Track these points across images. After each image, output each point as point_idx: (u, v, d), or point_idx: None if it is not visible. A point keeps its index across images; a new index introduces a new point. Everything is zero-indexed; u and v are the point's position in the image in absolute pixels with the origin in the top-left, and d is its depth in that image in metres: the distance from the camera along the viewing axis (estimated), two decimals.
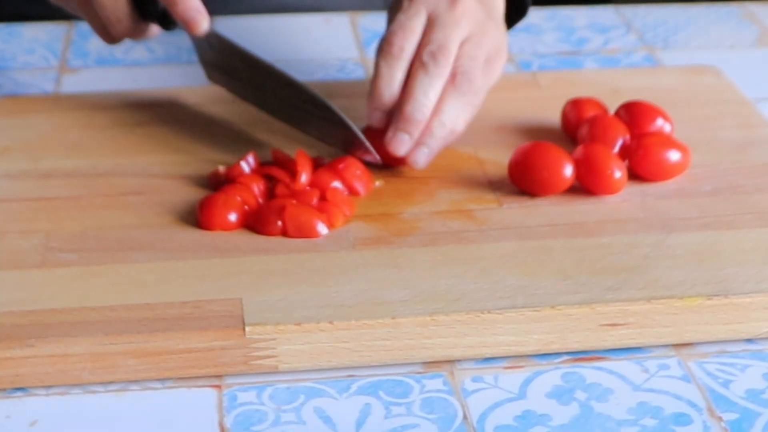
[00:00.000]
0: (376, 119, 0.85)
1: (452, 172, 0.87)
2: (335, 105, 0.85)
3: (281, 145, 0.89)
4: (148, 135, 0.92)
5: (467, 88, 0.85)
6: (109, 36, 0.93)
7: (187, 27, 0.89)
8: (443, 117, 0.84)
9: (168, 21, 0.92)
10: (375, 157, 0.84)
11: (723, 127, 0.93)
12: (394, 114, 0.84)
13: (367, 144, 0.84)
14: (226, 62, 0.91)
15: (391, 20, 0.91)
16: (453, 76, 0.85)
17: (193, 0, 0.88)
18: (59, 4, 0.96)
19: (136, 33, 0.93)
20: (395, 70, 0.85)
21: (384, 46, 0.86)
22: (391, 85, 0.85)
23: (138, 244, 0.78)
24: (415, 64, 0.85)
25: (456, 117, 0.85)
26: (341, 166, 0.84)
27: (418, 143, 0.84)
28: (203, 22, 0.88)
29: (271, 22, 1.17)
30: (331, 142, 0.87)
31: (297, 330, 0.69)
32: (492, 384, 0.69)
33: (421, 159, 0.84)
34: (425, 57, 0.84)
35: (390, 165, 0.86)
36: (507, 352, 0.71)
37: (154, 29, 0.94)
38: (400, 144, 0.84)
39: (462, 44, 0.86)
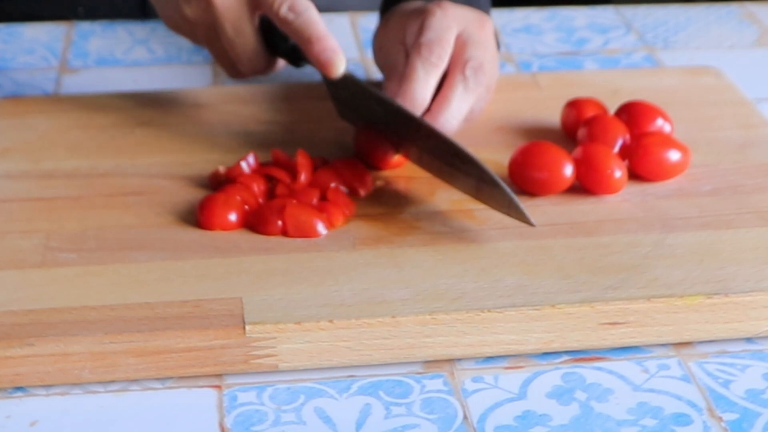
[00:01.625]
0: None
1: None
2: (481, 160, 0.79)
3: (281, 145, 0.89)
4: (148, 135, 0.92)
5: (475, 85, 0.87)
6: (237, 72, 0.93)
7: (323, 69, 0.86)
8: (450, 116, 0.86)
9: (298, 57, 0.91)
10: (530, 221, 0.77)
11: (723, 127, 0.93)
12: (426, 116, 0.85)
13: (521, 206, 0.77)
14: (361, 104, 0.87)
15: (399, 14, 0.92)
16: (462, 70, 0.87)
17: (331, 40, 0.86)
18: (183, 35, 0.94)
19: (266, 69, 0.92)
20: (431, 77, 0.86)
21: (424, 52, 0.86)
22: (424, 91, 0.85)
23: (138, 244, 0.78)
24: (456, 76, 0.86)
25: (466, 111, 0.88)
26: (341, 166, 0.84)
27: None
28: (340, 65, 0.86)
29: None
30: (484, 200, 0.81)
31: (297, 329, 0.69)
32: (492, 384, 0.69)
33: None
34: (468, 72, 0.86)
35: (384, 168, 0.86)
36: (507, 351, 0.71)
37: (281, 63, 0.93)
38: None
39: (463, 40, 0.89)
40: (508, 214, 0.78)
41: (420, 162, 0.85)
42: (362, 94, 0.86)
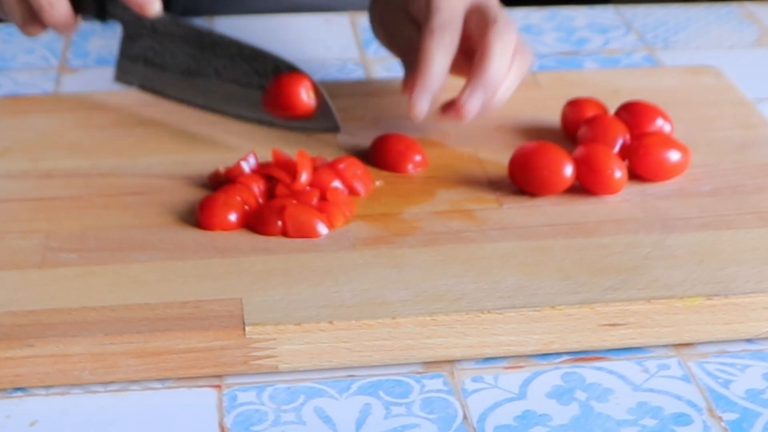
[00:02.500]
0: (423, 106, 0.84)
1: (452, 172, 0.87)
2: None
3: (281, 145, 0.89)
4: (148, 135, 0.92)
5: (529, 60, 0.87)
6: (34, 24, 0.91)
7: (140, 8, 0.89)
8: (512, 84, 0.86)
9: (103, 11, 0.92)
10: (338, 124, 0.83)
11: (723, 127, 0.93)
12: (470, 75, 0.84)
13: (334, 111, 0.82)
14: (162, 48, 0.90)
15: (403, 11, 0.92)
16: (522, 50, 0.87)
17: None
18: None
19: (67, 23, 0.90)
20: (447, 57, 0.84)
21: (437, 35, 0.84)
22: (440, 73, 0.84)
23: (138, 244, 0.78)
24: (488, 35, 0.84)
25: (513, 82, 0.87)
26: (341, 166, 0.84)
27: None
28: (156, 3, 0.89)
29: (271, 22, 1.17)
30: (279, 124, 0.86)
31: (297, 330, 0.69)
32: (492, 384, 0.69)
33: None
34: (501, 25, 0.84)
35: (390, 170, 0.86)
36: (507, 352, 0.71)
37: (79, 22, 0.93)
38: (475, 102, 0.84)
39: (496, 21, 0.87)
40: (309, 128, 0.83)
41: (212, 100, 0.88)
42: (175, 33, 0.89)
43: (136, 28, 0.91)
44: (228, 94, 0.88)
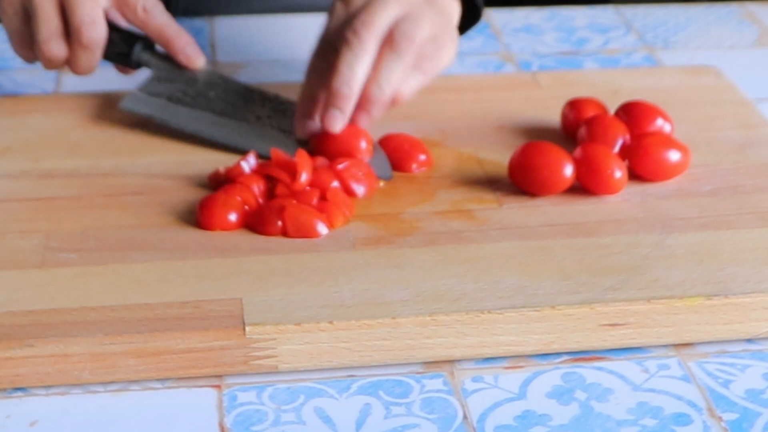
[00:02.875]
0: (338, 119, 0.86)
1: (452, 172, 0.87)
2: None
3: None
4: (148, 135, 0.92)
5: (407, 47, 0.85)
6: (61, 41, 0.91)
7: (187, 61, 0.93)
8: (381, 81, 0.85)
9: (130, 58, 0.94)
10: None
11: (723, 127, 0.93)
12: (325, 93, 0.87)
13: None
14: (191, 92, 0.93)
15: None
16: (390, 40, 0.86)
17: (190, 36, 0.93)
18: None
19: (98, 46, 0.91)
20: (362, 60, 0.85)
21: (350, 37, 0.85)
22: (357, 71, 0.85)
23: (138, 244, 0.78)
24: (340, 42, 0.86)
25: (397, 80, 0.86)
26: (341, 166, 0.84)
27: (356, 110, 0.86)
28: (203, 58, 0.94)
29: (272, 22, 1.17)
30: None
31: (297, 330, 0.69)
32: (492, 384, 0.69)
33: (337, 124, 0.86)
34: (348, 34, 0.85)
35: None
36: (507, 352, 0.71)
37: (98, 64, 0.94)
38: (333, 120, 0.86)
39: (397, 20, 0.86)
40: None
41: (251, 140, 0.90)
42: (216, 82, 0.93)
43: (169, 74, 0.94)
44: (268, 136, 0.90)
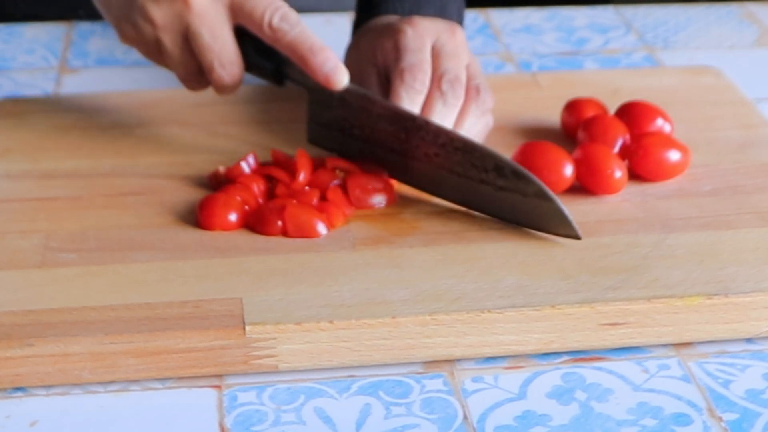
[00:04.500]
0: None
1: None
2: (530, 173, 0.78)
3: (281, 145, 0.89)
4: (148, 135, 0.92)
5: (489, 102, 0.87)
6: (200, 82, 0.88)
7: (327, 80, 0.83)
8: (464, 133, 0.85)
9: (281, 74, 0.87)
10: (578, 232, 0.77)
11: (723, 127, 0.93)
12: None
13: (570, 218, 0.77)
14: (355, 122, 0.84)
15: (369, 32, 0.91)
16: (477, 93, 0.86)
17: (329, 50, 0.83)
18: (136, 45, 0.88)
19: (238, 81, 0.86)
20: (416, 104, 0.85)
21: (407, 78, 0.84)
22: None
23: (138, 244, 0.78)
24: (434, 93, 0.85)
25: (474, 132, 0.86)
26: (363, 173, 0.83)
27: None
28: (345, 75, 0.83)
29: None
30: (510, 218, 0.79)
31: (297, 329, 0.69)
32: (492, 384, 0.69)
33: None
34: (444, 86, 0.85)
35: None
36: (507, 352, 0.71)
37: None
38: None
39: (467, 68, 0.88)
40: (550, 232, 0.78)
41: (424, 181, 0.82)
42: (367, 107, 0.83)
43: (322, 95, 0.85)
44: (444, 181, 0.81)
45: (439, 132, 0.81)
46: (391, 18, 0.93)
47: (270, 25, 0.83)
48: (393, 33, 0.88)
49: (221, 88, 0.87)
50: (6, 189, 0.85)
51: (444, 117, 0.84)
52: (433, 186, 0.82)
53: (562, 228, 0.77)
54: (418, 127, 0.82)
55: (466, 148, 0.80)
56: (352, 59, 0.93)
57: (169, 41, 0.85)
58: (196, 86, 0.89)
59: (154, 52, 0.87)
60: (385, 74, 0.88)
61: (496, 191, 0.79)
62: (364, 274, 0.74)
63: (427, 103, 0.85)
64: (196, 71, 0.87)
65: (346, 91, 0.84)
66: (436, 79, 0.86)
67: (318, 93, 0.85)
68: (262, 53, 0.86)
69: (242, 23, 0.85)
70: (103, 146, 0.91)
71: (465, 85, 0.86)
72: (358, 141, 0.85)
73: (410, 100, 0.84)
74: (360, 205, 0.81)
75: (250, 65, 0.87)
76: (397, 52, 0.87)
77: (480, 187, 0.80)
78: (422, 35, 0.87)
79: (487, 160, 0.79)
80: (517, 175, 0.78)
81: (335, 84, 0.83)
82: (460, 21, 0.98)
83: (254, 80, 0.99)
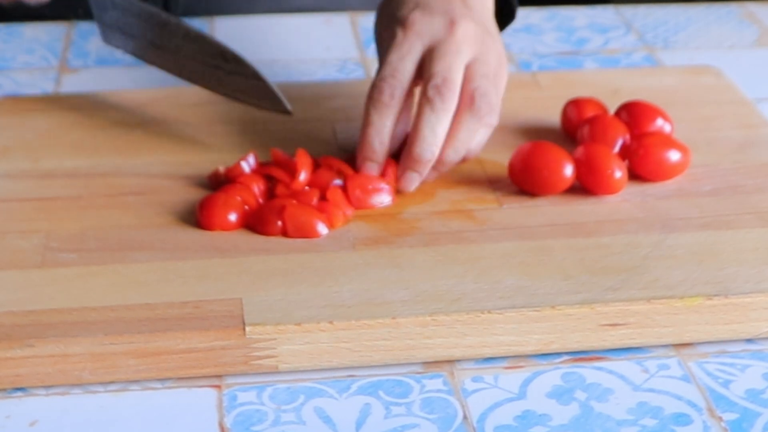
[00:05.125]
0: (368, 169, 0.83)
1: (452, 172, 0.87)
2: (246, 57, 0.89)
3: (281, 145, 0.89)
4: (148, 135, 0.92)
5: (486, 109, 0.83)
6: None
7: None
8: (457, 144, 0.83)
9: None
10: (287, 107, 0.89)
11: (723, 127, 0.93)
12: (403, 153, 0.83)
13: (281, 96, 0.88)
14: (126, 20, 0.95)
15: (381, 42, 0.89)
16: (471, 100, 0.82)
17: None
18: None
19: None
20: (385, 118, 0.82)
21: (374, 93, 0.83)
22: (380, 134, 0.82)
23: (138, 244, 0.78)
24: (421, 100, 0.82)
25: (471, 140, 0.84)
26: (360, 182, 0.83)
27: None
28: None
29: (271, 22, 1.17)
30: (243, 99, 0.91)
31: (297, 330, 0.69)
32: (492, 384, 0.69)
33: (413, 185, 0.84)
34: (430, 92, 0.81)
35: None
36: (507, 352, 0.71)
37: None
38: (410, 182, 0.83)
39: (468, 67, 0.84)
40: (262, 107, 0.89)
41: (184, 72, 0.92)
42: (130, 8, 0.94)
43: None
44: (191, 68, 0.93)
45: (178, 25, 0.92)
46: None
47: None
48: (389, 34, 0.86)
49: None
50: (6, 189, 0.85)
51: (435, 125, 0.81)
52: (188, 74, 0.93)
53: (274, 104, 0.89)
54: (164, 22, 0.92)
55: (197, 38, 0.91)
56: (383, 14, 0.91)
57: None
58: None
59: None
60: None
61: (227, 75, 0.91)
62: (364, 275, 0.74)
63: (417, 112, 0.82)
64: None
65: None
66: (424, 82, 0.83)
67: None
68: None
69: None
70: (103, 146, 0.91)
71: (456, 87, 0.82)
72: (134, 40, 0.95)
73: (378, 115, 0.82)
74: (360, 205, 0.81)
75: None
76: (431, 60, 0.83)
77: (215, 72, 0.91)
78: (412, 36, 0.84)
79: (214, 47, 0.90)
80: (237, 60, 0.89)
81: None
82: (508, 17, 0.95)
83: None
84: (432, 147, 0.82)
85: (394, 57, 0.84)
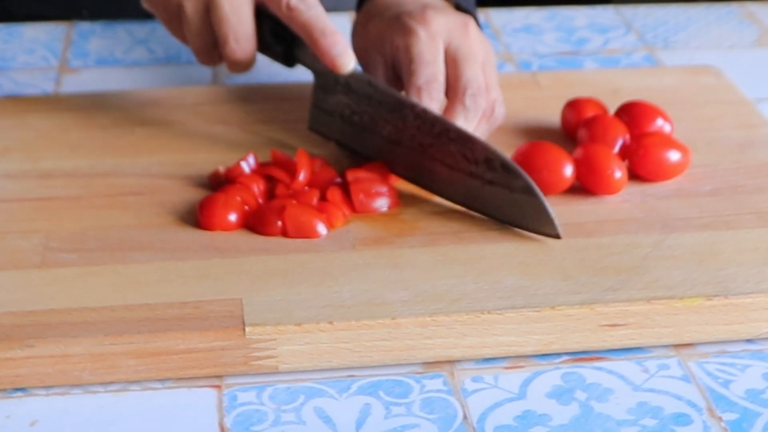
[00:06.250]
0: None
1: None
2: (520, 168, 0.78)
3: (281, 145, 0.89)
4: (148, 135, 0.92)
5: (501, 119, 0.86)
6: (212, 58, 0.89)
7: (333, 63, 0.84)
8: None
9: (291, 56, 0.89)
10: (559, 231, 0.77)
11: (723, 127, 0.93)
12: None
13: (553, 216, 0.77)
14: (357, 108, 0.85)
15: (377, 18, 0.90)
16: (491, 110, 0.85)
17: (339, 35, 0.84)
18: (158, 11, 0.91)
19: (251, 59, 0.88)
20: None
21: (425, 98, 0.83)
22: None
23: (138, 244, 0.78)
24: (456, 106, 0.84)
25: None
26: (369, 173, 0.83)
27: None
28: (350, 59, 0.84)
29: None
30: (496, 215, 0.79)
31: (297, 330, 0.69)
32: (492, 384, 0.69)
33: None
34: (468, 101, 0.84)
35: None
36: (507, 353, 0.71)
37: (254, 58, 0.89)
38: None
39: (483, 70, 0.86)
40: (532, 229, 0.78)
41: (415, 172, 0.83)
42: (369, 93, 0.84)
43: (327, 79, 0.86)
44: (435, 173, 0.82)
45: (435, 122, 0.81)
46: (399, 9, 0.90)
47: (288, 4, 0.84)
48: (404, 32, 0.86)
49: (233, 64, 0.88)
50: (6, 189, 0.85)
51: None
52: (425, 178, 0.82)
53: (545, 226, 0.77)
54: (416, 115, 0.82)
55: (460, 139, 0.80)
56: (359, 40, 0.92)
57: (191, 8, 0.87)
58: (208, 60, 0.90)
59: (175, 18, 0.89)
60: (392, 66, 0.87)
61: (484, 185, 0.79)
62: (364, 275, 0.74)
63: (447, 115, 0.84)
64: (211, 44, 0.89)
65: (351, 76, 0.85)
66: (460, 90, 0.84)
67: (324, 77, 0.86)
68: (276, 34, 0.88)
69: (262, 1, 0.87)
70: (103, 146, 0.91)
71: (484, 92, 0.85)
72: (356, 129, 0.85)
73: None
74: (363, 209, 0.81)
75: (263, 45, 0.89)
76: (411, 61, 0.85)
77: (468, 181, 0.80)
78: (434, 38, 0.85)
79: (479, 152, 0.79)
80: (507, 169, 0.78)
81: (341, 67, 0.84)
82: (471, 7, 0.96)
83: (256, 80, 0.99)
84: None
85: (427, 57, 0.85)
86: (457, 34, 0.86)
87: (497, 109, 0.86)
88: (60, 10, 1.14)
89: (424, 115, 0.82)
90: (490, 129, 0.86)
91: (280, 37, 0.88)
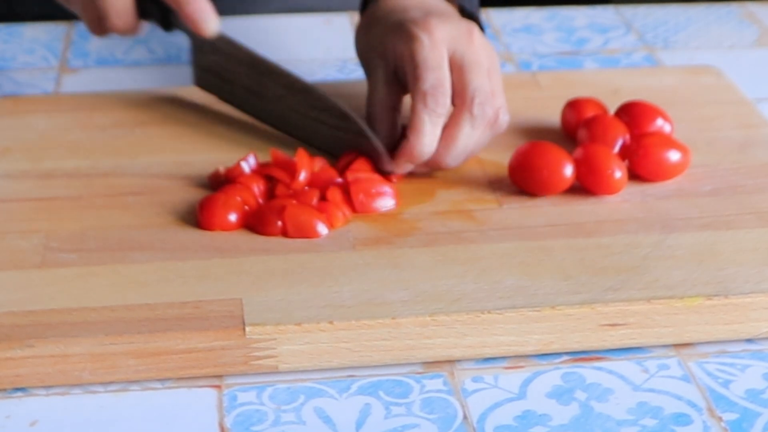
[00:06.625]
0: (403, 169, 0.85)
1: (452, 172, 0.87)
2: (355, 114, 0.86)
3: (281, 145, 0.89)
4: (148, 135, 0.92)
5: (504, 126, 0.86)
6: (101, 28, 0.94)
7: (196, 28, 0.90)
8: (474, 150, 0.86)
9: (168, 21, 0.93)
10: (393, 169, 0.85)
11: (723, 127, 0.93)
12: (435, 156, 0.84)
13: (387, 156, 0.84)
14: (227, 66, 0.92)
15: (381, 22, 0.90)
16: (495, 118, 0.85)
17: (204, 1, 0.90)
18: None
19: (132, 29, 0.94)
20: (437, 128, 0.83)
21: (429, 103, 0.83)
22: (431, 144, 0.83)
23: (138, 244, 0.78)
24: (463, 115, 0.84)
25: (475, 150, 0.86)
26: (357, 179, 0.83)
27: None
28: (213, 23, 0.90)
29: (271, 22, 1.17)
30: (339, 154, 0.87)
31: (297, 330, 0.69)
32: (492, 384, 0.69)
33: (406, 170, 0.86)
34: (476, 110, 0.83)
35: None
36: (507, 353, 0.71)
37: (145, 27, 0.96)
38: (404, 170, 0.85)
39: (488, 77, 0.86)
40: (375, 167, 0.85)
41: (278, 121, 0.91)
42: (233, 53, 0.91)
43: (199, 41, 0.92)
44: (291, 120, 0.90)
45: (284, 74, 0.89)
46: (405, 3, 0.90)
47: None
48: (408, 39, 0.85)
49: (119, 33, 0.95)
50: (6, 189, 0.85)
51: (468, 137, 0.84)
52: (286, 125, 0.91)
53: (378, 163, 0.85)
54: (269, 70, 0.90)
55: (305, 89, 0.89)
56: (361, 41, 0.93)
57: None
58: (99, 32, 0.95)
59: None
60: (393, 72, 0.87)
61: (329, 130, 0.87)
62: (364, 275, 0.74)
63: (455, 122, 0.84)
64: (96, 17, 0.94)
65: (218, 38, 0.91)
66: (468, 98, 0.83)
67: (197, 39, 0.92)
68: (153, 1, 0.93)
69: None
70: (103, 146, 0.91)
71: (492, 104, 0.85)
72: (231, 85, 0.93)
73: (432, 125, 0.83)
74: (363, 209, 0.81)
75: (143, 12, 0.94)
76: (415, 67, 0.84)
77: (317, 126, 0.88)
78: (438, 45, 0.84)
79: (322, 101, 0.88)
80: (344, 116, 0.86)
81: (204, 31, 0.90)
82: (475, 12, 0.96)
83: None
84: (460, 157, 0.85)
85: (431, 63, 0.84)
86: (462, 41, 0.85)
87: (501, 116, 0.85)
88: (66, 10, 1.14)
89: (275, 69, 0.90)
90: (492, 135, 0.86)
91: (156, 3, 0.93)
